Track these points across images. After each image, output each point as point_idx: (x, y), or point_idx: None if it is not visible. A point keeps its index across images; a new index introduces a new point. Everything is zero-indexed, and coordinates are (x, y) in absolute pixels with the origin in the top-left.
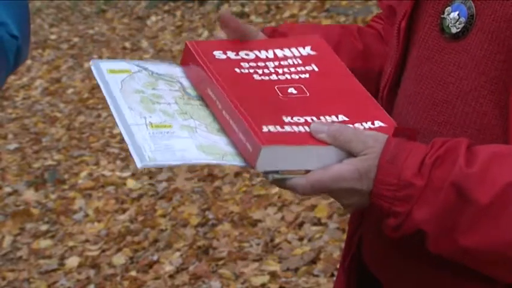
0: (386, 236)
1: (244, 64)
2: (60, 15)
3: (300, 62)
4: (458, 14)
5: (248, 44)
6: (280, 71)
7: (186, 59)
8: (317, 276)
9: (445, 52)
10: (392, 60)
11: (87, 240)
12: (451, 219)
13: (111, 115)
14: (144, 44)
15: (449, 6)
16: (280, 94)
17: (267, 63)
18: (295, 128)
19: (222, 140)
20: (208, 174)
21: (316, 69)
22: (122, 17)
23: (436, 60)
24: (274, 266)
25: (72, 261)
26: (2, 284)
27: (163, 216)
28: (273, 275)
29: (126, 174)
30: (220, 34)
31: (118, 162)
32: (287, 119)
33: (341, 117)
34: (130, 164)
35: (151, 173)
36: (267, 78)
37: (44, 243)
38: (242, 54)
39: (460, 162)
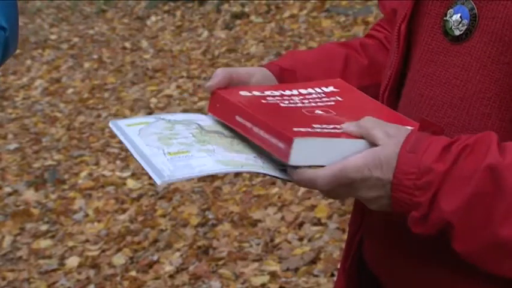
0: (387, 237)
1: (270, 98)
2: (60, 15)
3: (324, 95)
4: (460, 16)
5: (272, 86)
6: (306, 101)
7: (213, 103)
8: (317, 276)
9: (449, 54)
10: (393, 63)
11: (87, 240)
12: (483, 210)
13: (111, 115)
14: (144, 44)
15: (451, 8)
16: (307, 114)
17: (293, 97)
18: (325, 130)
19: (240, 156)
20: None
21: (340, 99)
22: (122, 17)
23: (440, 63)
24: (274, 266)
25: (72, 261)
26: (2, 284)
27: (163, 216)
28: (273, 275)
29: (126, 174)
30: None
31: (118, 162)
32: (316, 125)
33: None
34: (131, 164)
35: None
36: (293, 105)
37: (44, 243)
38: (267, 92)
39: (493, 151)
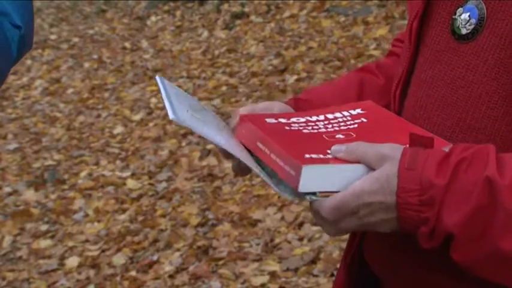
0: (387, 235)
1: (294, 124)
2: (60, 15)
3: (350, 118)
4: (469, 16)
5: (300, 113)
6: (329, 126)
7: (240, 129)
8: (317, 276)
9: (455, 54)
10: (404, 61)
11: (87, 240)
12: (483, 222)
13: (111, 115)
14: (144, 44)
15: (461, 7)
16: (327, 138)
17: (317, 122)
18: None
19: (248, 159)
20: (208, 174)
21: (365, 120)
22: (122, 17)
23: (446, 62)
24: (274, 266)
25: (72, 261)
26: (2, 284)
27: (163, 216)
28: (273, 275)
29: (126, 174)
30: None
31: (118, 162)
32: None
33: None
34: (131, 164)
35: (151, 173)
36: (315, 131)
37: (44, 243)
38: (293, 119)
39: (491, 165)
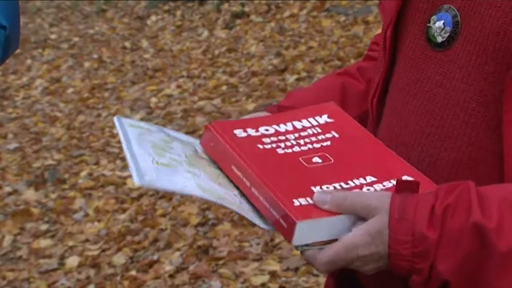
0: None
1: (266, 140)
2: (60, 15)
3: (320, 130)
4: (443, 23)
5: (266, 120)
6: (301, 142)
7: (206, 139)
8: (317, 276)
9: (432, 62)
10: (381, 68)
11: (87, 240)
12: (476, 266)
13: (111, 115)
14: (144, 43)
15: (434, 15)
16: (305, 164)
17: (288, 135)
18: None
19: (221, 189)
20: None
21: (336, 135)
22: (122, 17)
23: (423, 70)
24: (274, 266)
25: (72, 261)
26: (2, 283)
27: (163, 216)
28: (273, 274)
29: (126, 173)
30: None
31: (118, 161)
32: (316, 189)
33: (369, 178)
34: None
35: None
36: (290, 150)
37: (44, 243)
38: (262, 130)
39: (475, 209)
